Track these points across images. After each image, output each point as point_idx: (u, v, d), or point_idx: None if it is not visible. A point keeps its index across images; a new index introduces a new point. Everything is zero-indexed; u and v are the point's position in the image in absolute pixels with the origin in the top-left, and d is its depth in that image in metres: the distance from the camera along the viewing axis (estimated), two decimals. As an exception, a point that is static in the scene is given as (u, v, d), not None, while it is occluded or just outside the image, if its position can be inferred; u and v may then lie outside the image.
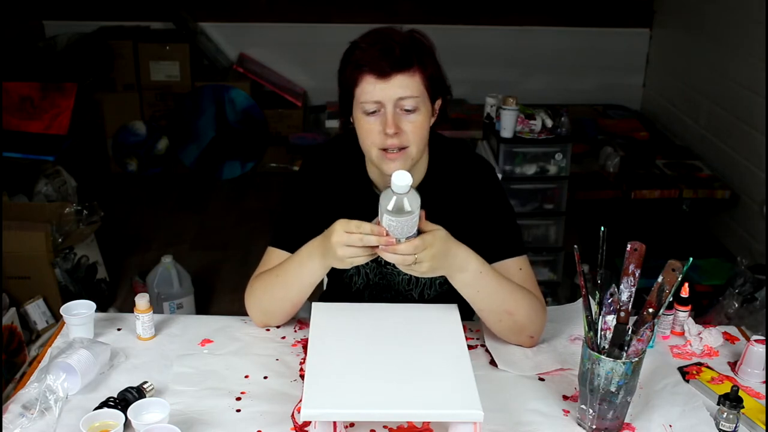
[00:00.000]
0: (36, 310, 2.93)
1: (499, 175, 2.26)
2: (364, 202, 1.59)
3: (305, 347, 1.57)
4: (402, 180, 1.30)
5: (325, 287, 1.89)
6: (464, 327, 1.47)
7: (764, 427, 1.38)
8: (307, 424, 1.34)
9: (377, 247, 1.36)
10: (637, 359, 1.30)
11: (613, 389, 1.31)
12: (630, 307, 1.33)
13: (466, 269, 1.44)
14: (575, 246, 1.36)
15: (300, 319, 1.68)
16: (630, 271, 1.32)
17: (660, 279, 1.29)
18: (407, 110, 1.47)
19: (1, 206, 2.99)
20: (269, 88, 4.76)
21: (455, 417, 1.24)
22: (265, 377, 1.50)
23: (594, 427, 1.35)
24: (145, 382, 1.41)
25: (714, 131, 3.98)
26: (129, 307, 1.66)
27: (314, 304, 1.53)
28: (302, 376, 1.48)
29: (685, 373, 1.53)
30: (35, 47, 4.41)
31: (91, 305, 1.59)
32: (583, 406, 1.36)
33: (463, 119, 3.61)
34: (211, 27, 4.86)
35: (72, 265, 3.09)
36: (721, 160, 3.86)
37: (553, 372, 1.53)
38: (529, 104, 3.33)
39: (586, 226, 2.92)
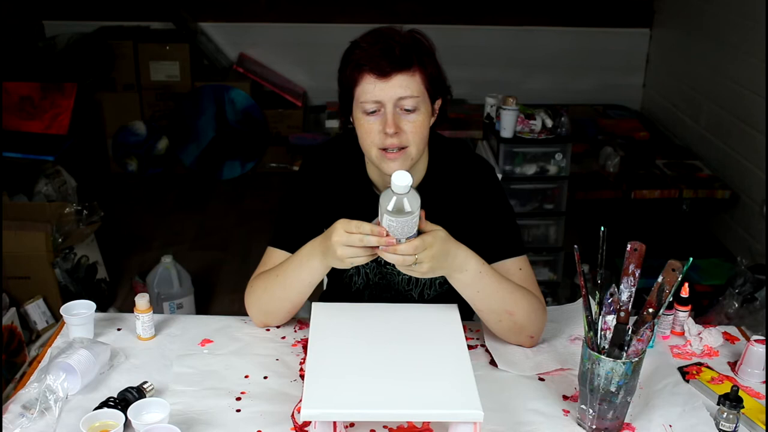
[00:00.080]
0: (36, 310, 2.93)
1: (499, 175, 2.26)
2: (363, 202, 1.59)
3: (305, 347, 1.57)
4: (402, 180, 1.30)
5: (325, 287, 1.89)
6: (464, 327, 1.47)
7: (764, 427, 1.38)
8: (307, 424, 1.34)
9: (377, 247, 1.36)
10: (637, 359, 1.30)
11: (613, 389, 1.31)
12: (630, 307, 1.33)
13: (465, 269, 1.44)
14: (575, 246, 1.36)
15: (300, 319, 1.68)
16: (630, 271, 1.32)
17: (660, 279, 1.29)
18: (407, 110, 1.47)
19: (1, 206, 2.99)
20: (269, 88, 4.76)
21: (455, 417, 1.24)
22: (265, 377, 1.50)
23: (594, 427, 1.35)
24: (145, 382, 1.41)
25: (714, 131, 3.98)
26: (129, 307, 1.66)
27: (314, 304, 1.53)
28: (302, 376, 1.48)
29: (685, 373, 1.53)
30: (35, 47, 4.41)
31: (91, 305, 1.59)
32: (583, 406, 1.37)
33: (463, 119, 3.60)
34: (211, 27, 4.86)
35: (72, 265, 3.09)
36: (721, 160, 3.86)
37: (553, 372, 1.53)
38: (529, 104, 3.33)
39: (586, 226, 2.91)
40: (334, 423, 1.26)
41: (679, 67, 4.49)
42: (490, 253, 1.55)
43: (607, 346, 1.33)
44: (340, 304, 1.59)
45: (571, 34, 4.92)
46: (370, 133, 1.49)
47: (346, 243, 1.37)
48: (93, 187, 4.03)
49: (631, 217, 3.71)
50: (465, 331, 1.46)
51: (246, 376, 1.49)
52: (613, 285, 1.33)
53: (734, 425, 1.34)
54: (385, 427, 1.35)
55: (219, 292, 3.45)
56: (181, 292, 3.09)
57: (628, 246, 1.31)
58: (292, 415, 1.38)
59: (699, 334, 1.64)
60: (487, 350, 1.59)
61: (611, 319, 1.33)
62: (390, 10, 4.73)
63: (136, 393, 1.37)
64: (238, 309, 1.71)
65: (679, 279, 1.27)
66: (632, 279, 1.32)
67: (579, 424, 1.38)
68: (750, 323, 2.71)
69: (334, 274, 1.68)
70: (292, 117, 4.77)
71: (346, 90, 1.51)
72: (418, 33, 1.51)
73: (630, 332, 1.31)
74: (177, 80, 4.60)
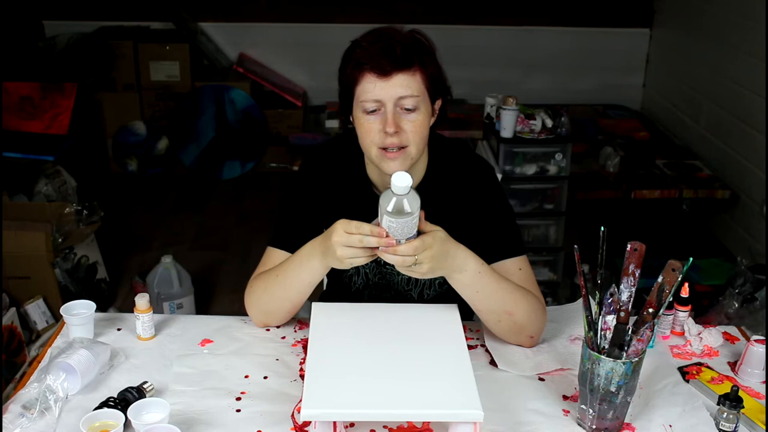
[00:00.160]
0: (36, 310, 2.93)
1: (499, 176, 2.27)
2: (363, 203, 1.59)
3: (305, 347, 1.57)
4: (402, 181, 1.30)
5: (324, 287, 1.89)
6: (464, 327, 1.47)
7: (764, 427, 1.38)
8: (307, 424, 1.34)
9: (377, 248, 1.36)
10: (637, 359, 1.30)
11: (613, 389, 1.31)
12: (630, 307, 1.33)
13: (465, 270, 1.44)
14: (575, 246, 1.36)
15: (300, 319, 1.68)
16: (630, 271, 1.32)
17: (660, 279, 1.29)
18: (407, 109, 1.47)
19: (1, 206, 2.99)
20: (269, 88, 4.76)
21: (455, 417, 1.24)
22: (265, 377, 1.50)
23: (594, 427, 1.35)
24: (145, 382, 1.41)
25: (714, 131, 3.98)
26: (129, 307, 1.66)
27: (314, 304, 1.53)
28: (302, 376, 1.48)
29: (685, 373, 1.53)
30: (35, 47, 4.41)
31: (91, 305, 1.59)
32: (583, 406, 1.37)
33: (463, 119, 3.60)
34: (211, 27, 4.86)
35: (72, 265, 3.09)
36: (721, 160, 3.86)
37: (553, 372, 1.53)
38: (529, 104, 3.33)
39: (586, 226, 2.91)
40: (334, 423, 1.26)
41: (679, 67, 4.49)
42: (490, 253, 1.55)
43: (607, 346, 1.33)
44: (340, 304, 1.59)
45: (571, 34, 4.92)
46: (370, 132, 1.49)
47: (345, 243, 1.37)
48: (93, 187, 4.03)
49: (631, 217, 3.71)
50: (465, 331, 1.46)
51: (246, 376, 1.49)
52: (613, 285, 1.33)
53: (734, 425, 1.34)
54: (385, 427, 1.35)
55: (219, 292, 3.45)
56: (181, 292, 3.09)
57: (628, 246, 1.31)
58: (292, 415, 1.38)
59: (699, 334, 1.64)
60: (487, 350, 1.59)
61: (611, 319, 1.33)
62: (390, 10, 4.73)
63: (136, 393, 1.37)
64: (238, 309, 1.71)
65: (679, 279, 1.27)
66: (632, 279, 1.32)
67: (579, 424, 1.38)
68: (750, 323, 2.71)
69: (333, 274, 1.68)
70: (292, 117, 4.77)
71: (346, 89, 1.51)
72: (418, 33, 1.51)
73: (630, 332, 1.31)
74: (177, 80, 4.60)
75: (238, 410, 1.40)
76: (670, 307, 1.64)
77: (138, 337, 1.61)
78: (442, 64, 1.53)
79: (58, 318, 2.93)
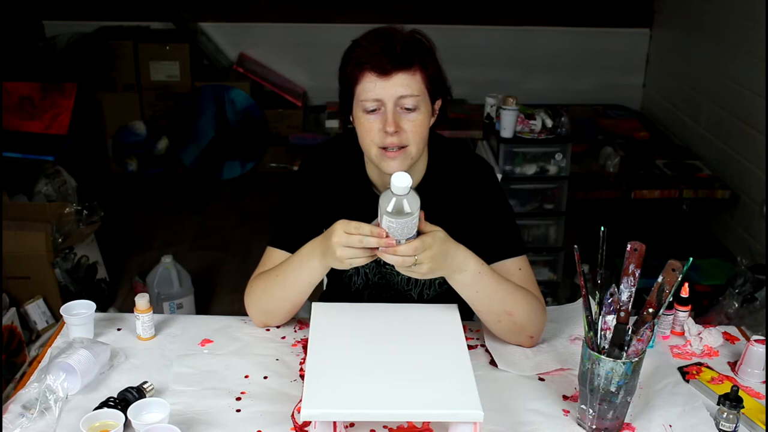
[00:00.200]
0: (36, 310, 2.93)
1: (499, 176, 2.27)
2: (363, 203, 1.59)
3: (305, 347, 1.57)
4: (402, 181, 1.30)
5: (324, 287, 1.89)
6: (464, 327, 1.47)
7: (764, 427, 1.38)
8: (307, 424, 1.34)
9: (377, 248, 1.36)
10: (637, 359, 1.30)
11: (613, 389, 1.31)
12: (630, 307, 1.33)
13: (464, 270, 1.44)
14: (575, 246, 1.36)
15: (300, 319, 1.68)
16: (630, 271, 1.32)
17: (660, 279, 1.29)
18: (407, 109, 1.47)
19: (1, 206, 2.99)
20: (269, 88, 4.76)
21: (455, 417, 1.24)
22: (265, 377, 1.50)
23: (594, 427, 1.35)
24: (145, 382, 1.41)
25: (714, 131, 3.98)
26: (129, 307, 1.66)
27: (314, 304, 1.53)
28: (302, 376, 1.48)
29: (685, 373, 1.53)
30: (35, 47, 4.41)
31: (91, 305, 1.59)
32: (583, 406, 1.37)
33: (463, 119, 3.60)
34: (211, 27, 4.86)
35: (72, 265, 3.09)
36: (721, 160, 3.86)
37: (553, 372, 1.53)
38: (529, 104, 3.33)
39: (586, 226, 2.91)
40: (334, 423, 1.26)
41: (679, 67, 4.49)
42: (490, 253, 1.55)
43: (607, 346, 1.33)
44: (340, 304, 1.59)
45: (571, 34, 4.92)
46: (370, 131, 1.49)
47: (345, 244, 1.37)
48: (93, 187, 4.03)
49: (631, 217, 3.71)
50: (465, 331, 1.46)
51: (246, 376, 1.49)
52: (613, 285, 1.33)
53: (734, 425, 1.34)
54: (385, 427, 1.35)
55: (219, 292, 3.45)
56: (181, 292, 3.09)
57: (628, 246, 1.31)
58: (292, 415, 1.38)
59: (699, 334, 1.64)
60: (487, 350, 1.59)
61: (611, 319, 1.33)
62: (390, 10, 4.74)
63: (136, 393, 1.37)
64: (238, 309, 1.71)
65: (679, 279, 1.27)
66: (632, 279, 1.32)
67: (579, 424, 1.38)
68: (750, 323, 2.71)
69: (333, 274, 1.68)
70: (292, 117, 4.77)
71: (346, 88, 1.51)
72: (418, 33, 1.51)
73: (630, 332, 1.31)
74: (177, 80, 4.60)
75: (238, 410, 1.40)
76: (670, 307, 1.64)
77: (138, 337, 1.61)
78: (442, 64, 1.53)
79: (58, 318, 2.93)
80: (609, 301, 1.33)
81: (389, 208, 1.32)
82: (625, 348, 1.31)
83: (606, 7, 4.89)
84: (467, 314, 1.59)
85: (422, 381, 1.29)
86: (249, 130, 4.69)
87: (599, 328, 1.34)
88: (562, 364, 1.55)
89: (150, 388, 1.40)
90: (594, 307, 1.34)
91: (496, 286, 1.48)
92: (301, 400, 1.30)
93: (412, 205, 1.32)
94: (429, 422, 1.35)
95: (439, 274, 1.42)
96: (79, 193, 3.72)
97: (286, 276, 1.53)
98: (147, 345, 1.60)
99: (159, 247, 3.77)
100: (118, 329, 1.65)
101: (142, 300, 1.58)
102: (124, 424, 1.29)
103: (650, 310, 1.30)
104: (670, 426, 1.38)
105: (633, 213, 3.73)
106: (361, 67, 1.46)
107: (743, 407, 1.34)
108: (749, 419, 1.40)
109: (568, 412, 1.42)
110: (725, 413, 1.34)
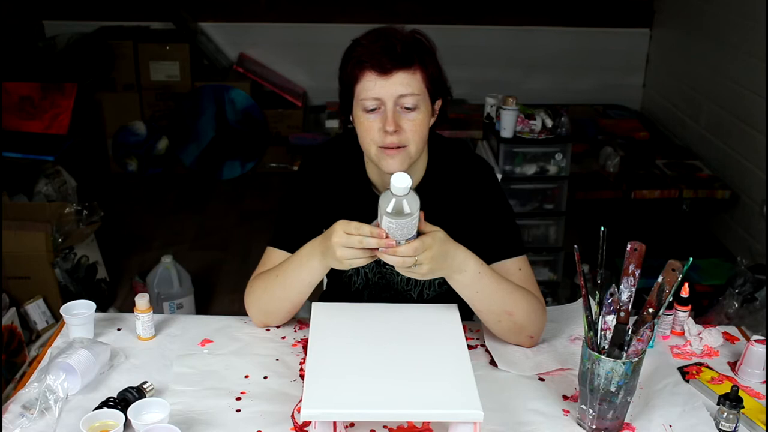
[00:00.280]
0: (36, 310, 2.93)
1: (499, 176, 2.27)
2: (363, 203, 1.59)
3: (305, 347, 1.57)
4: (401, 182, 1.30)
5: (324, 287, 1.89)
6: (464, 327, 1.47)
7: (764, 427, 1.38)
8: (307, 424, 1.34)
9: (377, 249, 1.36)
10: (637, 359, 1.30)
11: (613, 389, 1.31)
12: (630, 307, 1.33)
13: (464, 270, 1.44)
14: (575, 246, 1.36)
15: (300, 319, 1.68)
16: (630, 271, 1.32)
17: (660, 279, 1.29)
18: (407, 108, 1.47)
19: (1, 206, 2.99)
20: (269, 88, 4.76)
21: (455, 417, 1.24)
22: (265, 377, 1.50)
23: (594, 427, 1.35)
24: (145, 382, 1.41)
25: (714, 131, 3.98)
26: (129, 307, 1.66)
27: (314, 304, 1.53)
28: (302, 376, 1.48)
29: (685, 373, 1.53)
30: (35, 47, 4.41)
31: (91, 305, 1.59)
32: (583, 406, 1.37)
33: (463, 119, 3.60)
34: (211, 27, 4.86)
35: (72, 265, 3.09)
36: (721, 160, 3.87)
37: (553, 372, 1.53)
38: (529, 104, 3.33)
39: (586, 226, 2.91)
40: (334, 423, 1.26)
41: (679, 67, 4.49)
42: (490, 253, 1.55)
43: (607, 346, 1.33)
44: (340, 304, 1.59)
45: (571, 34, 4.92)
46: (369, 131, 1.49)
47: (345, 244, 1.37)
48: (93, 187, 4.03)
49: (631, 217, 3.71)
50: (465, 331, 1.46)
51: (246, 376, 1.49)
52: (613, 285, 1.33)
53: (734, 425, 1.34)
54: (385, 427, 1.35)
55: (219, 292, 3.45)
56: (181, 292, 3.09)
57: (628, 246, 1.31)
58: (292, 415, 1.38)
59: (699, 334, 1.64)
60: (487, 350, 1.59)
61: (611, 319, 1.33)
62: (390, 10, 4.74)
63: (136, 393, 1.37)
64: (238, 309, 1.71)
65: (679, 279, 1.27)
66: (632, 279, 1.32)
67: (579, 424, 1.38)
68: (750, 323, 2.71)
69: (333, 274, 1.68)
70: (292, 117, 4.77)
71: (346, 87, 1.51)
72: (419, 33, 1.51)
73: (630, 332, 1.31)
74: (177, 80, 4.60)
75: (238, 410, 1.40)
76: (670, 307, 1.64)
77: (138, 337, 1.61)
78: (442, 64, 1.53)
79: (58, 318, 2.93)
80: (609, 301, 1.33)
81: (389, 209, 1.32)
82: (625, 348, 1.31)
83: (606, 7, 4.89)
84: (467, 314, 1.59)
85: (422, 381, 1.29)
86: (249, 130, 4.69)
87: (599, 328, 1.34)
88: (562, 364, 1.55)
89: (150, 388, 1.40)
90: (594, 307, 1.34)
91: (496, 286, 1.48)
92: (301, 400, 1.30)
93: (411, 205, 1.32)
94: (429, 422, 1.35)
95: (439, 274, 1.42)
96: (79, 193, 3.72)
97: (286, 276, 1.53)
98: (147, 345, 1.60)
99: (159, 247, 3.77)
100: (118, 329, 1.65)
101: (142, 300, 1.58)
102: (124, 424, 1.29)
103: (650, 310, 1.30)
104: (670, 426, 1.38)
105: (633, 213, 3.73)
106: (361, 66, 1.46)
107: (743, 407, 1.34)
108: (749, 419, 1.40)
109: (568, 412, 1.42)
110: (725, 413, 1.34)
